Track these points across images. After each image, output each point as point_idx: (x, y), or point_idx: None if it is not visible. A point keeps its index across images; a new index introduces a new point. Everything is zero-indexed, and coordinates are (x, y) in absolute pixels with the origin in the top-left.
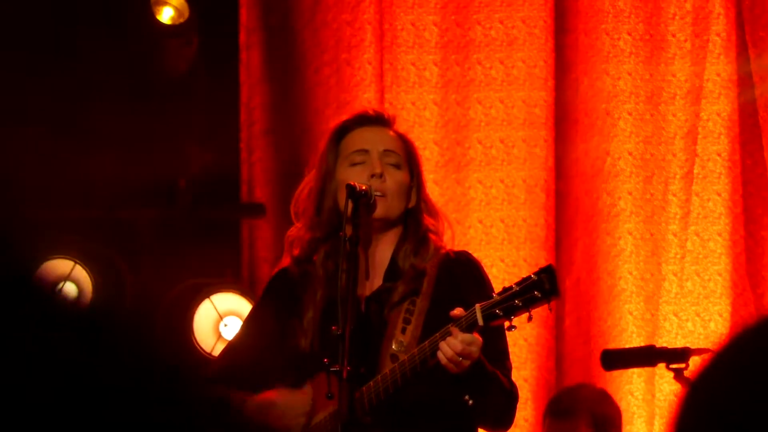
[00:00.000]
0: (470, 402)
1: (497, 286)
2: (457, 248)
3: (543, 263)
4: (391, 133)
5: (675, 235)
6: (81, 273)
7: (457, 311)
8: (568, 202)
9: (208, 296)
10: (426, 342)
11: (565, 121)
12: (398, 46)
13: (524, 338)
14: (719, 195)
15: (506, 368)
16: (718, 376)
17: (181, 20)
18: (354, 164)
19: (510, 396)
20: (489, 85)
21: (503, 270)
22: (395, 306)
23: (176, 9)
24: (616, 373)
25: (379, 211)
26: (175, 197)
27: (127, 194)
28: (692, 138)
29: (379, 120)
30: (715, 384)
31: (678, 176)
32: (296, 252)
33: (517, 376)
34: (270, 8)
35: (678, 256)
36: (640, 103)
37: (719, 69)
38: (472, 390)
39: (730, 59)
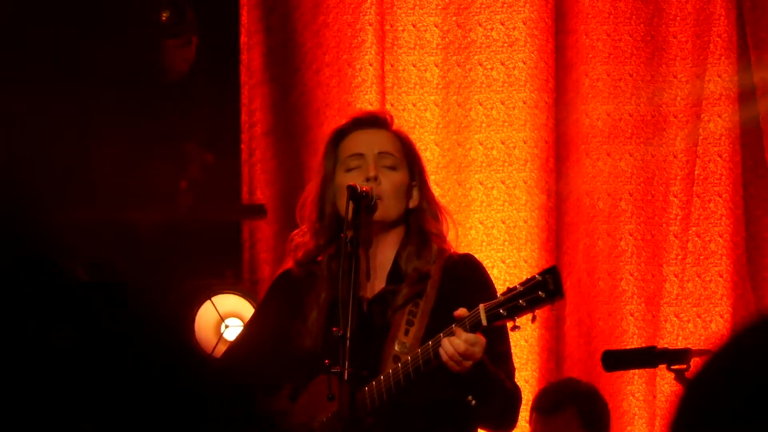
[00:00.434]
0: (473, 402)
1: (499, 288)
2: (459, 250)
3: (544, 264)
4: (388, 133)
5: (676, 236)
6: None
7: (461, 311)
8: (569, 203)
9: (209, 298)
10: (429, 342)
11: (566, 123)
12: (399, 47)
13: (525, 339)
14: (720, 196)
15: (509, 370)
16: (716, 375)
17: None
18: (350, 169)
19: (513, 398)
20: (490, 86)
21: (504, 271)
22: (398, 308)
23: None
24: (617, 374)
25: (377, 214)
26: (176, 198)
27: (128, 196)
28: (693, 139)
29: (374, 122)
30: (712, 382)
31: (679, 177)
32: (299, 256)
33: (518, 377)
34: (271, 9)
35: (679, 258)
36: (641, 105)
37: (720, 70)
38: (475, 391)
39: (731, 61)
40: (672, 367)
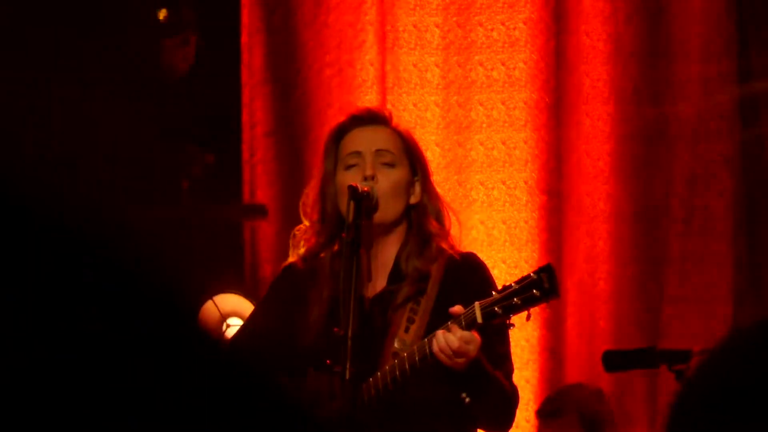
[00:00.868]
0: (467, 400)
1: (499, 287)
2: (460, 249)
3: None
4: (387, 130)
5: (677, 236)
6: None
7: (457, 308)
8: (570, 203)
9: (210, 297)
10: (426, 339)
11: (566, 123)
12: (400, 47)
13: (526, 339)
14: (721, 196)
15: (508, 371)
16: (714, 372)
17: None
18: (348, 167)
19: (509, 398)
20: (491, 86)
21: (505, 271)
22: (399, 307)
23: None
24: (617, 374)
25: (375, 216)
26: (178, 198)
27: (129, 195)
28: (694, 138)
29: (373, 119)
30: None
31: (680, 177)
32: (302, 251)
33: (518, 376)
34: (272, 9)
35: (680, 258)
36: (643, 104)
37: (721, 68)
38: (470, 389)
39: (732, 60)
40: (673, 367)
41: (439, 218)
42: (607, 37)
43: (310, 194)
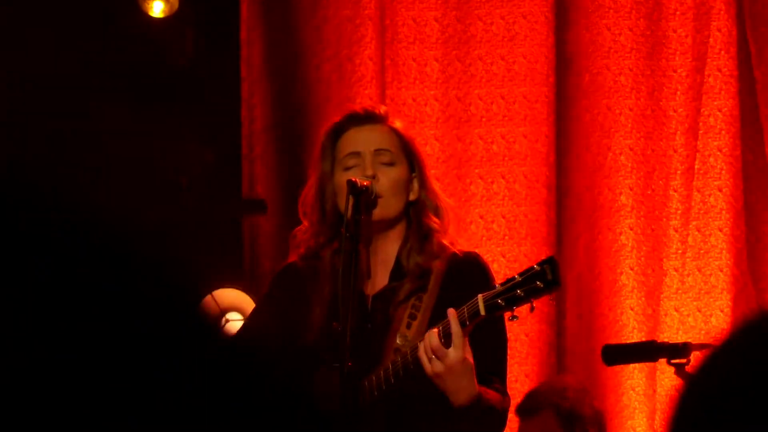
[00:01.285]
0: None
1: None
2: (461, 246)
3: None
4: (384, 128)
5: (676, 230)
6: None
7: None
8: (570, 197)
9: (209, 292)
10: (426, 334)
11: (566, 117)
12: (399, 42)
13: (525, 333)
14: (720, 190)
15: (502, 380)
16: (717, 370)
17: (173, 11)
18: (347, 168)
19: (501, 416)
20: (490, 80)
21: (504, 266)
22: (401, 303)
23: (166, 1)
24: (617, 368)
25: (377, 213)
26: (177, 194)
27: (128, 192)
28: (693, 134)
29: (370, 118)
30: (713, 377)
31: (679, 172)
32: (302, 251)
33: (518, 371)
34: (271, 4)
35: (679, 252)
36: (642, 99)
37: (720, 64)
38: (468, 422)
39: (731, 55)
40: (672, 361)
41: (438, 214)
42: (606, 31)
43: (308, 195)
